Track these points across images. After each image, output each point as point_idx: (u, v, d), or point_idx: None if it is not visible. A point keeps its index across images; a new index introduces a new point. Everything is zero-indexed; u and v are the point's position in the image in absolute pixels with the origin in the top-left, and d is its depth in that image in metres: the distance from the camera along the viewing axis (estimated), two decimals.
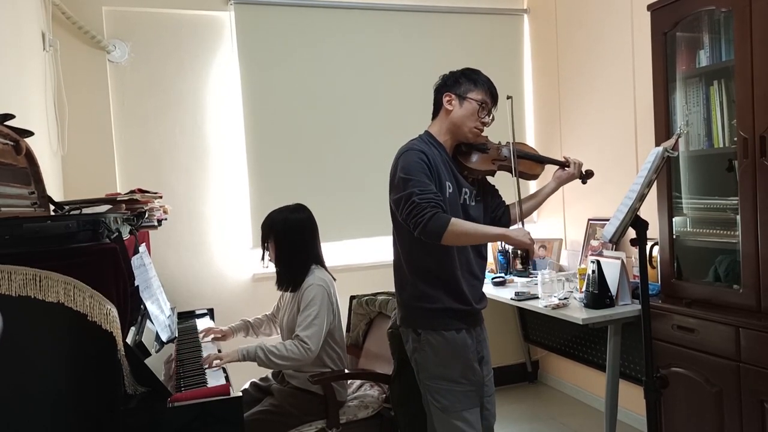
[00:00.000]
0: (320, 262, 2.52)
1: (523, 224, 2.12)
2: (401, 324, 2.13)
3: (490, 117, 2.13)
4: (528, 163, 2.21)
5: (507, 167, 2.16)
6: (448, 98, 2.09)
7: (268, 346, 2.24)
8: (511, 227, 2.03)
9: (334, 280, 2.52)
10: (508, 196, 2.28)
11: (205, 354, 2.20)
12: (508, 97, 2.13)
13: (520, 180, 2.16)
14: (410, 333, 2.08)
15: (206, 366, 2.09)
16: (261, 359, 2.22)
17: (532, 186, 3.57)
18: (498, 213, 2.26)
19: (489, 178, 2.25)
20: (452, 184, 2.06)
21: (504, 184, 2.30)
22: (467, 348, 2.04)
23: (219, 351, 2.32)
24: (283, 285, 2.48)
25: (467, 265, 2.09)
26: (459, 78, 2.11)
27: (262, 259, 2.50)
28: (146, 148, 3.36)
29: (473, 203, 2.14)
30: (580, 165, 2.27)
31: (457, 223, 1.90)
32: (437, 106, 2.16)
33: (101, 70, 3.25)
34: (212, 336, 2.57)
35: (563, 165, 2.27)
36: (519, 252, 2.04)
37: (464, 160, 2.14)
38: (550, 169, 2.31)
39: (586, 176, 2.28)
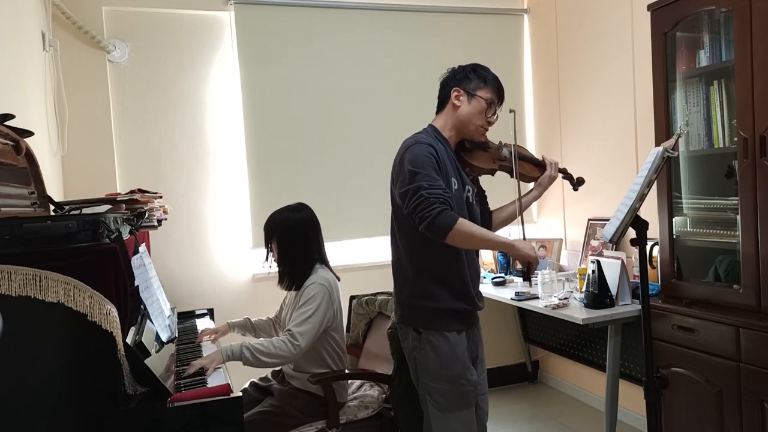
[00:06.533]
0: (324, 261, 2.51)
1: (524, 234, 2.09)
2: (400, 322, 2.11)
3: (496, 116, 2.10)
4: (527, 165, 2.20)
5: (507, 168, 2.15)
6: (456, 93, 2.05)
7: (253, 344, 2.19)
8: (514, 238, 2.00)
9: (338, 279, 2.50)
10: (507, 197, 2.28)
11: (205, 354, 2.18)
12: (511, 111, 2.12)
13: (518, 182, 2.14)
14: (410, 332, 2.05)
15: (192, 372, 1.98)
16: (247, 358, 2.16)
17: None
18: (482, 218, 2.24)
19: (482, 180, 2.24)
20: (457, 180, 2.03)
21: (500, 185, 2.28)
22: (465, 349, 2.04)
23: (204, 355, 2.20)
24: (286, 283, 2.46)
25: (473, 264, 2.09)
26: (469, 74, 2.07)
27: (267, 260, 2.48)
28: (146, 148, 3.36)
29: (474, 203, 2.12)
30: (556, 164, 2.21)
31: (465, 224, 1.86)
32: (443, 100, 2.11)
33: (101, 70, 3.25)
34: (208, 338, 2.50)
35: (542, 165, 2.22)
36: (521, 266, 1.99)
37: (468, 157, 2.12)
38: None
39: (577, 183, 2.25)
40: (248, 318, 2.65)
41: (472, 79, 2.05)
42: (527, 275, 1.99)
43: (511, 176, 2.13)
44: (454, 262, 2.00)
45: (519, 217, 2.12)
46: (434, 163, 1.92)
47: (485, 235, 1.93)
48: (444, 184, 1.91)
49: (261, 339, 2.26)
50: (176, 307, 2.85)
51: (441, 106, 2.12)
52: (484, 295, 2.21)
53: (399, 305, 2.11)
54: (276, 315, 2.69)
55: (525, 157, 2.20)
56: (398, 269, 2.09)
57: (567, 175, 2.26)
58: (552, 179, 2.21)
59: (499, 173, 2.19)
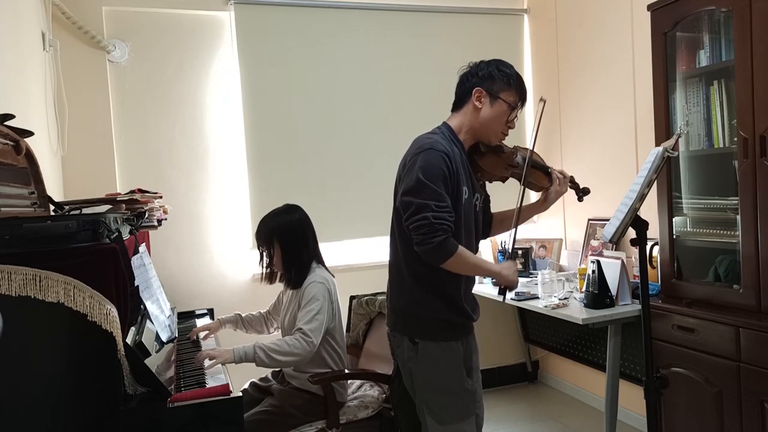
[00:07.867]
0: (320, 260, 2.53)
1: (513, 244, 2.02)
2: (393, 329, 2.03)
3: (516, 119, 1.99)
4: (537, 173, 2.09)
5: (518, 175, 2.05)
6: (478, 94, 1.92)
7: (266, 344, 2.20)
8: (503, 263, 1.97)
9: (333, 277, 2.51)
10: (509, 202, 2.19)
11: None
12: (542, 100, 2.01)
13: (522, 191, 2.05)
14: (405, 341, 1.97)
15: (198, 364, 2.04)
16: (261, 359, 2.16)
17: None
18: (483, 223, 2.17)
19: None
20: (468, 189, 1.93)
21: (503, 190, 2.25)
22: (462, 358, 1.99)
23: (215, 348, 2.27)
24: (288, 284, 2.48)
25: (470, 278, 2.04)
26: (492, 72, 1.93)
27: (265, 266, 2.48)
28: (146, 148, 3.36)
29: (479, 210, 2.05)
30: (565, 179, 2.10)
31: (463, 254, 1.84)
32: (462, 98, 1.98)
33: (101, 70, 3.25)
34: (202, 335, 2.51)
35: (551, 175, 2.11)
36: (500, 286, 2.02)
37: (481, 161, 2.00)
38: None
39: (583, 193, 2.17)
40: (238, 314, 2.68)
41: (496, 80, 1.92)
42: (504, 291, 2.02)
43: (521, 183, 2.04)
44: (451, 276, 1.92)
45: (515, 221, 2.03)
46: (446, 177, 1.83)
47: (478, 264, 1.94)
48: (450, 203, 1.83)
49: (274, 339, 2.26)
50: (176, 307, 2.85)
51: (459, 104, 1.99)
52: (484, 294, 2.20)
53: (393, 312, 2.04)
54: (268, 310, 2.71)
55: (537, 165, 2.10)
56: (395, 272, 2.02)
57: (573, 185, 2.17)
58: (560, 194, 2.10)
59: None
